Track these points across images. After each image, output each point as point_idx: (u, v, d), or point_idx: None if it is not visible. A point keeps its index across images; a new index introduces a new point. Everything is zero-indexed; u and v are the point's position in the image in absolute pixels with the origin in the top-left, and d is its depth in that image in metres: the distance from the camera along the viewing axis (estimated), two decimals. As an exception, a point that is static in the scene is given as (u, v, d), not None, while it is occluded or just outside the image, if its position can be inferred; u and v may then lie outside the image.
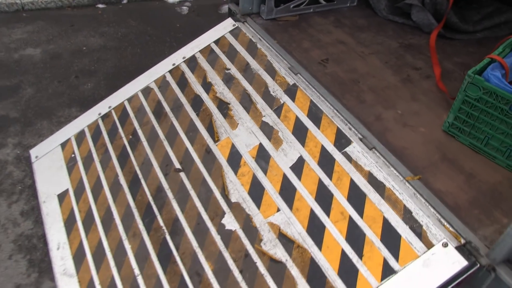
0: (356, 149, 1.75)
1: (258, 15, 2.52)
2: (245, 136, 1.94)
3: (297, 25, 2.49)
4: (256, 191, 1.77)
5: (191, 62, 2.34)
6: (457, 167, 1.73)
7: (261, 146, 1.89)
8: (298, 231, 1.62)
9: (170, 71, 2.35)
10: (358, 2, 2.78)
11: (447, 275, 1.39)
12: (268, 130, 1.93)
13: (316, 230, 1.60)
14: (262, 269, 1.57)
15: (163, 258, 1.73)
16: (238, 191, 1.79)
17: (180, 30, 3.67)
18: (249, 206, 1.74)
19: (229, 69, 2.22)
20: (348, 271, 1.48)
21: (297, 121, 1.91)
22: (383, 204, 1.59)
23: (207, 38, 2.42)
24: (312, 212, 1.64)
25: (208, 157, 1.94)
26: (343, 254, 1.52)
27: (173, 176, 1.94)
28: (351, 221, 1.58)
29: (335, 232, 1.57)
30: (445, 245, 1.45)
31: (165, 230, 1.80)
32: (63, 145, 2.33)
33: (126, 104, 2.32)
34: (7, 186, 2.37)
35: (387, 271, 1.45)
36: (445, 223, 1.51)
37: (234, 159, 1.89)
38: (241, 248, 1.64)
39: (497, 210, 1.59)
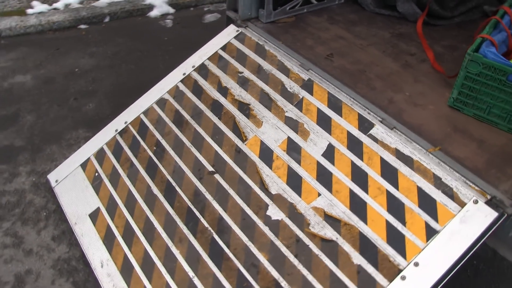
0: (379, 130, 1.92)
1: (257, 20, 2.66)
2: (272, 132, 2.08)
3: (295, 26, 2.65)
4: (294, 181, 1.90)
5: (202, 70, 2.45)
6: (468, 135, 1.94)
7: (289, 139, 2.03)
8: (342, 210, 1.76)
9: (182, 81, 2.45)
10: (346, 0, 2.98)
11: (482, 227, 1.58)
12: (293, 124, 2.06)
13: (358, 207, 1.75)
14: (315, 250, 1.71)
15: (216, 256, 1.83)
16: (277, 183, 1.92)
17: (169, 43, 3.75)
18: (290, 195, 1.87)
19: (242, 72, 2.34)
20: (395, 238, 1.64)
21: (319, 112, 2.06)
22: (414, 175, 1.76)
23: (213, 45, 2.53)
24: (351, 192, 1.79)
25: (239, 156, 2.05)
26: (388, 224, 1.68)
27: (208, 179, 2.05)
28: (388, 194, 1.75)
29: (376, 206, 1.73)
30: (475, 202, 1.64)
31: (212, 230, 1.89)
32: (84, 165, 2.37)
33: (143, 117, 2.40)
34: (31, 214, 2.38)
35: (430, 232, 1.62)
36: (471, 184, 1.70)
37: (266, 154, 2.02)
38: (291, 234, 1.77)
39: (509, 168, 1.79)
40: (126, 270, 1.95)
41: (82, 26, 3.96)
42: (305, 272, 1.67)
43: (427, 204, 1.68)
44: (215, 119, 2.23)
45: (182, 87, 2.42)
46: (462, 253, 1.54)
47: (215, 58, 2.48)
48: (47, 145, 2.80)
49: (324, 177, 1.87)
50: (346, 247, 1.68)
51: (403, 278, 1.55)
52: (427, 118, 2.01)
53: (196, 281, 1.80)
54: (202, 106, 2.30)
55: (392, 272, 1.58)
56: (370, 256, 1.64)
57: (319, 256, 1.69)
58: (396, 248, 1.62)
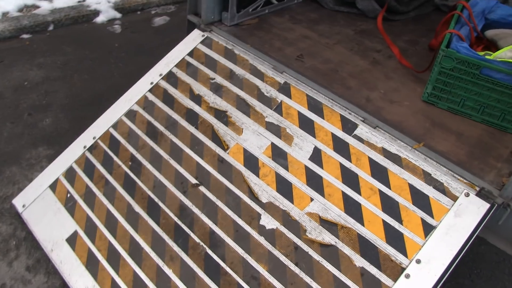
0: (364, 130, 1.93)
1: (220, 23, 2.59)
2: (254, 139, 2.03)
3: (260, 27, 2.61)
4: (284, 187, 1.87)
5: (170, 78, 2.34)
6: (446, 129, 2.00)
7: (273, 145, 1.99)
8: (337, 214, 1.75)
9: (150, 91, 2.33)
10: (304, -1, 2.98)
11: (477, 218, 1.63)
12: (275, 129, 2.03)
13: (353, 209, 1.75)
14: (316, 256, 1.68)
15: (212, 272, 1.76)
16: (266, 191, 1.87)
17: (121, 50, 3.56)
18: (282, 202, 1.83)
19: (214, 79, 2.27)
20: (394, 237, 1.66)
21: (300, 115, 2.04)
22: (404, 172, 1.79)
23: (179, 52, 2.43)
24: (344, 194, 1.79)
25: (223, 166, 1.99)
26: (385, 223, 1.69)
27: (193, 192, 1.96)
28: (381, 193, 1.76)
29: (371, 207, 1.74)
30: (467, 195, 1.69)
31: (204, 245, 1.82)
32: (53, 186, 2.20)
33: (113, 131, 2.26)
34: (-2, 244, 2.18)
35: (427, 229, 1.65)
36: (459, 177, 1.76)
37: (251, 162, 1.96)
38: (289, 242, 1.74)
39: (490, 158, 1.87)
40: (114, 296, 1.83)
41: (25, 36, 3.66)
42: (308, 280, 1.64)
43: (420, 200, 1.71)
44: (191, 128, 2.14)
45: (151, 97, 2.31)
46: (461, 246, 1.58)
47: (183, 65, 2.38)
48: (5, 167, 2.55)
49: (315, 181, 1.85)
50: (347, 250, 1.67)
51: (407, 276, 1.57)
52: (405, 115, 2.05)
53: (193, 300, 1.73)
54: (175, 116, 2.20)
55: (396, 271, 1.59)
56: (371, 257, 1.64)
57: (321, 262, 1.67)
58: (396, 247, 1.64)
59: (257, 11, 2.70)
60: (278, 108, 2.09)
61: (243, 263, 1.74)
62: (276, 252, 1.73)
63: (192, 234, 1.85)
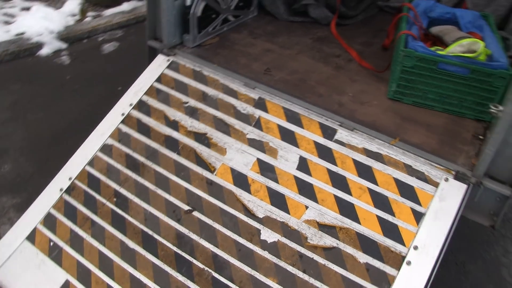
0: (343, 134, 2.04)
1: (182, 45, 2.60)
2: (239, 157, 2.06)
3: (222, 46, 2.66)
4: (278, 200, 1.92)
5: (142, 106, 2.33)
6: (415, 121, 2.15)
7: (259, 160, 2.04)
8: (333, 217, 1.84)
9: (123, 122, 2.30)
10: (258, 12, 3.06)
11: (459, 199, 1.80)
12: (258, 145, 2.08)
13: (347, 209, 1.84)
14: (321, 260, 1.75)
15: (222, 294, 1.78)
16: (261, 206, 1.92)
17: (74, 82, 3.45)
18: (279, 214, 1.88)
19: (188, 102, 2.28)
20: (390, 230, 1.77)
21: (281, 128, 2.11)
22: (388, 168, 1.91)
23: (146, 79, 2.42)
24: (336, 197, 1.88)
25: (213, 188, 2.01)
26: (379, 218, 1.80)
27: (187, 219, 1.96)
28: (371, 191, 1.86)
29: (363, 205, 1.84)
30: (446, 180, 1.85)
31: (209, 270, 1.83)
32: (31, 238, 2.08)
33: (89, 169, 2.20)
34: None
35: (418, 216, 1.78)
36: (436, 165, 1.91)
37: (241, 180, 2.00)
38: (293, 252, 1.79)
39: (457, 142, 2.05)
40: (122, 338, 1.79)
41: (-37, 76, 3.46)
42: (318, 284, 1.70)
43: (407, 192, 1.84)
44: (173, 155, 2.14)
45: (125, 128, 2.28)
46: (450, 226, 1.73)
47: (153, 92, 2.37)
48: (-32, 223, 2.41)
49: (306, 190, 1.92)
50: (349, 249, 1.76)
51: (409, 263, 1.68)
52: (376, 114, 2.18)
53: (207, 326, 1.73)
54: (154, 144, 2.19)
55: (397, 260, 1.70)
56: (373, 252, 1.73)
57: (327, 266, 1.74)
58: (394, 238, 1.75)
59: (217, 30, 2.75)
60: (258, 124, 2.15)
61: (252, 280, 1.77)
62: (283, 264, 1.78)
63: (194, 261, 1.85)
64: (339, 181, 1.91)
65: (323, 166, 1.96)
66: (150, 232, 1.96)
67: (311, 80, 2.39)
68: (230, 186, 2.00)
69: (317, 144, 2.03)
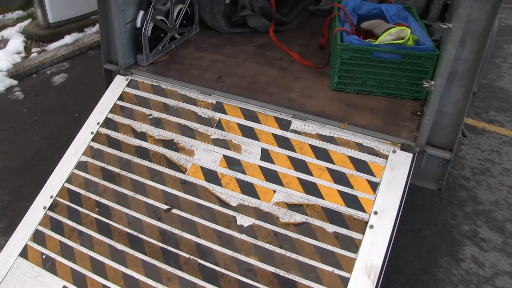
0: (297, 124, 2.28)
1: (137, 65, 2.78)
2: (206, 156, 2.25)
3: (173, 61, 2.86)
4: (248, 189, 2.12)
5: (109, 124, 2.47)
6: (359, 107, 2.43)
7: (225, 156, 2.23)
8: (299, 196, 2.06)
9: (93, 140, 2.42)
10: (200, 28, 3.29)
11: (407, 167, 2.07)
12: (222, 143, 2.28)
13: (311, 189, 2.07)
14: (294, 235, 1.96)
15: (210, 278, 1.93)
16: (234, 196, 2.11)
17: (31, 114, 3.49)
18: (251, 201, 2.08)
19: (151, 114, 2.45)
20: (350, 201, 2.01)
21: (241, 126, 2.32)
22: (341, 148, 2.16)
23: (108, 99, 2.56)
24: (300, 179, 2.10)
25: (187, 186, 2.18)
26: (340, 192, 2.04)
27: (167, 217, 2.12)
28: (329, 170, 2.11)
29: (324, 183, 2.07)
30: (394, 151, 2.12)
31: (195, 258, 1.99)
32: (24, 254, 2.16)
33: (68, 186, 2.30)
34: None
35: (373, 186, 2.03)
36: (384, 141, 2.18)
37: (211, 176, 2.19)
38: (268, 232, 1.99)
39: (399, 120, 2.33)
40: None
41: None
42: (294, 256, 1.91)
43: (361, 166, 2.09)
44: (146, 163, 2.29)
45: (96, 145, 2.40)
46: (402, 192, 1.99)
47: (117, 109, 2.52)
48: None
49: (272, 176, 2.14)
50: (317, 222, 1.98)
51: (371, 227, 1.92)
52: (324, 104, 2.44)
53: (201, 309, 1.88)
54: (127, 156, 2.33)
55: (361, 226, 1.94)
56: (339, 221, 1.97)
57: (300, 239, 1.95)
58: (355, 207, 1.99)
59: (166, 48, 2.94)
60: (219, 125, 2.35)
61: (234, 261, 1.95)
62: (260, 243, 1.97)
63: (180, 252, 2.01)
64: (300, 165, 2.14)
65: (284, 154, 2.19)
66: (135, 233, 2.10)
67: (261, 82, 2.63)
68: (202, 182, 2.18)
69: (275, 136, 2.25)
